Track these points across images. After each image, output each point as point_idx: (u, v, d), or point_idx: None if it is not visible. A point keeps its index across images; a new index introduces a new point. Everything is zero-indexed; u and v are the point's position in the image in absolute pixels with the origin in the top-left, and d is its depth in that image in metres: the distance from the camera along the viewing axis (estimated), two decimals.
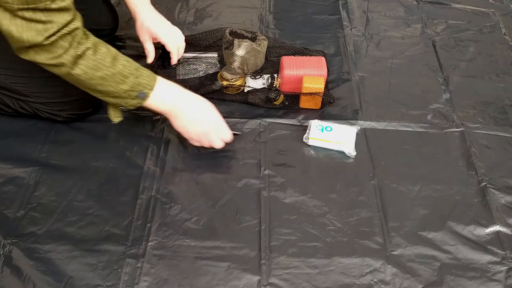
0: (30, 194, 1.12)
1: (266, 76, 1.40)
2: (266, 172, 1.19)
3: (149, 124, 1.29)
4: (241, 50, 1.33)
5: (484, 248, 1.08)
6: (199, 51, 1.46)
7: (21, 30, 0.93)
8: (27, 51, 0.98)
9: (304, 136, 1.26)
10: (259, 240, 1.06)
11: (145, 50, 1.32)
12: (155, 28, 1.29)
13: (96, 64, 1.01)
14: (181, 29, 1.55)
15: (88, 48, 1.00)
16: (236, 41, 1.34)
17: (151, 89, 1.08)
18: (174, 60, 1.35)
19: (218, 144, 1.17)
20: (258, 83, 1.38)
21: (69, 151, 1.21)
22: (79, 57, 0.99)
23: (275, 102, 1.34)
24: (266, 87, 1.37)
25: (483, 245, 1.08)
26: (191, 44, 1.45)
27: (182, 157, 1.22)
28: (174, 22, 1.57)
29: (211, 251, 1.04)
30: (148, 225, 1.08)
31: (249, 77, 1.39)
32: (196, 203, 1.12)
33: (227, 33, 1.36)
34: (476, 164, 1.24)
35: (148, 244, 1.05)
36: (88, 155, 1.20)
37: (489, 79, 1.49)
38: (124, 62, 1.05)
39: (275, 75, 1.40)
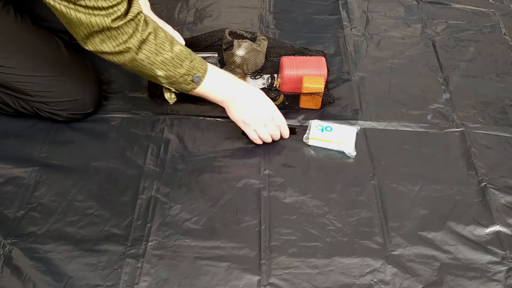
0: (30, 194, 1.12)
1: (266, 76, 1.40)
2: (266, 172, 1.19)
3: (149, 124, 1.29)
4: (241, 51, 1.33)
5: (484, 248, 1.08)
6: (199, 51, 1.45)
7: (89, 16, 0.95)
8: (93, 40, 1.00)
9: (304, 136, 1.26)
10: (259, 240, 1.06)
11: None
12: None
13: (157, 48, 1.05)
14: (181, 29, 1.57)
15: (150, 33, 1.03)
16: (236, 42, 1.34)
17: (205, 73, 1.11)
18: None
19: (277, 134, 1.21)
20: (258, 83, 1.38)
21: (69, 151, 1.21)
22: (143, 41, 1.03)
23: (275, 102, 1.33)
24: (266, 87, 1.37)
25: (483, 245, 1.08)
26: (191, 45, 1.45)
27: (182, 157, 1.22)
28: (174, 22, 1.58)
29: (211, 251, 1.04)
30: (148, 225, 1.08)
31: (249, 77, 1.39)
32: (196, 203, 1.12)
33: (227, 34, 1.36)
34: (476, 164, 1.24)
35: (148, 244, 1.05)
36: (88, 155, 1.20)
37: (489, 79, 1.49)
38: (180, 47, 1.09)
39: (275, 75, 1.40)
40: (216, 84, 1.14)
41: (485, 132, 1.32)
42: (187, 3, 1.70)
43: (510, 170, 1.23)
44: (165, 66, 1.07)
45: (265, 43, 1.38)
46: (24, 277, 0.98)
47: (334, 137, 1.25)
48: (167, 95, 1.17)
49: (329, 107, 1.36)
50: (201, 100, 1.35)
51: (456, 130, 1.32)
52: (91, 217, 1.09)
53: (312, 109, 1.35)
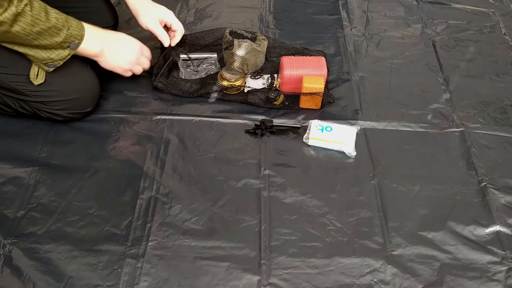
0: (30, 194, 1.12)
1: (266, 76, 1.40)
2: (266, 172, 1.19)
3: (149, 124, 1.29)
4: (241, 50, 1.33)
5: (484, 248, 1.08)
6: (199, 50, 1.46)
7: None
8: None
9: (304, 136, 1.26)
10: (259, 240, 1.06)
11: (159, 36, 1.35)
12: (161, 13, 1.34)
13: (33, 19, 1.05)
14: None
15: (26, 5, 1.03)
16: (236, 41, 1.34)
17: (81, 39, 1.15)
18: (178, 38, 1.38)
19: (147, 64, 1.33)
20: (258, 83, 1.38)
21: (69, 151, 1.21)
22: (18, 14, 1.02)
23: (275, 102, 1.34)
24: (266, 87, 1.37)
25: (483, 245, 1.08)
26: (191, 44, 1.45)
27: (182, 157, 1.22)
28: None
29: (211, 251, 1.04)
30: (148, 225, 1.08)
31: (249, 77, 1.39)
32: (196, 203, 1.12)
33: (227, 33, 1.36)
34: (476, 164, 1.24)
35: (148, 244, 1.05)
36: (88, 155, 1.20)
37: (489, 79, 1.49)
38: (55, 15, 1.10)
39: (275, 75, 1.40)
40: (90, 44, 1.18)
41: (485, 132, 1.32)
42: (187, 3, 1.70)
43: (510, 170, 1.23)
44: (42, 36, 1.08)
45: (265, 43, 1.38)
46: (24, 277, 0.98)
47: (334, 137, 1.25)
48: (32, 74, 1.16)
49: (329, 107, 1.36)
50: (201, 100, 1.36)
51: (456, 130, 1.32)
52: (91, 217, 1.09)
53: (312, 109, 1.35)
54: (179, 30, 1.37)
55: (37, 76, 1.16)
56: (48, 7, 1.09)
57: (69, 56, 1.15)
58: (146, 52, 1.33)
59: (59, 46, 1.12)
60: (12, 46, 1.10)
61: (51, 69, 1.15)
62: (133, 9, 1.33)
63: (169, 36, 1.36)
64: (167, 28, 1.37)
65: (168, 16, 1.35)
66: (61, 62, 1.15)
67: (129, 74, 1.32)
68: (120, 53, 1.27)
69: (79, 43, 1.15)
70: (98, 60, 1.24)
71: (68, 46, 1.13)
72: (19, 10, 1.02)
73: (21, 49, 1.11)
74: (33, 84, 1.16)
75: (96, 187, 1.14)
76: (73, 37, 1.13)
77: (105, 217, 1.09)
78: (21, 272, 0.99)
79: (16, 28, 1.04)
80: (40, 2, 1.08)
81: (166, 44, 1.35)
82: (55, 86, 1.20)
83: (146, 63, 1.33)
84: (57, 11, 1.11)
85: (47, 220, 1.07)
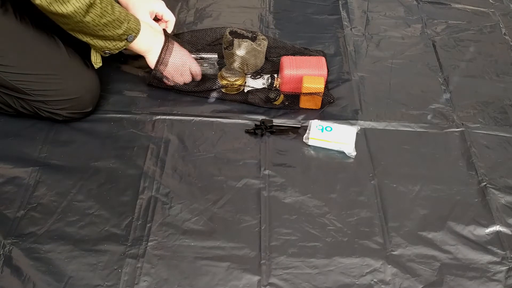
0: (30, 194, 1.12)
1: (266, 76, 1.40)
2: (266, 172, 1.19)
3: (149, 124, 1.29)
4: (241, 50, 1.33)
5: (484, 248, 1.08)
6: (199, 50, 1.45)
7: None
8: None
9: (304, 136, 1.26)
10: (259, 240, 1.06)
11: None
12: (151, 5, 1.35)
13: (102, 11, 1.12)
14: (181, 29, 1.57)
15: None
16: (236, 41, 1.34)
17: (138, 33, 1.22)
18: (171, 28, 1.39)
19: (189, 79, 1.34)
20: (258, 83, 1.38)
21: (69, 151, 1.21)
22: (91, 5, 1.09)
23: (275, 102, 1.34)
24: (266, 87, 1.37)
25: (483, 245, 1.08)
26: (191, 43, 1.45)
27: (182, 157, 1.22)
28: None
29: (211, 251, 1.04)
30: (148, 225, 1.08)
31: (249, 77, 1.39)
32: (196, 203, 1.12)
33: (227, 33, 1.36)
34: (476, 164, 1.24)
35: (148, 244, 1.05)
36: (88, 155, 1.20)
37: (489, 79, 1.49)
38: (119, 9, 1.17)
39: (275, 75, 1.40)
40: (143, 40, 1.24)
41: (485, 132, 1.32)
42: (187, 3, 1.70)
43: (510, 170, 1.23)
44: (107, 27, 1.15)
45: (265, 43, 1.38)
46: (24, 277, 0.98)
47: (334, 137, 1.25)
48: (93, 59, 1.24)
49: (329, 107, 1.36)
50: (201, 100, 1.36)
51: (456, 130, 1.32)
52: (91, 217, 1.09)
53: (312, 109, 1.35)
54: (171, 20, 1.39)
55: (96, 59, 1.24)
56: (113, 1, 1.16)
57: (125, 47, 1.22)
58: (195, 66, 1.34)
59: (119, 38, 1.19)
60: (77, 35, 1.17)
61: (107, 55, 1.24)
62: (123, 2, 1.33)
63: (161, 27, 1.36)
64: (158, 19, 1.37)
65: (159, 7, 1.36)
66: (116, 51, 1.23)
67: (170, 77, 1.33)
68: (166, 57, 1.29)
69: (136, 37, 1.21)
70: (147, 57, 1.29)
71: (126, 39, 1.20)
72: (92, 1, 1.08)
73: (85, 38, 1.17)
74: (94, 67, 1.24)
75: (96, 187, 1.14)
76: (131, 30, 1.20)
77: (105, 217, 1.09)
78: (21, 272, 0.99)
79: (88, 18, 1.11)
80: None
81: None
82: (56, 86, 1.20)
83: (188, 77, 1.34)
84: (119, 5, 1.18)
85: (47, 220, 1.07)
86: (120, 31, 1.17)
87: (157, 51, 1.28)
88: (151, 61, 1.29)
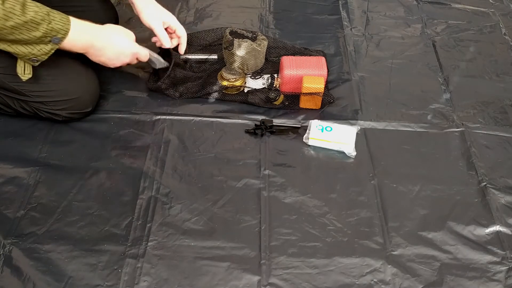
0: (30, 194, 1.12)
1: (266, 76, 1.40)
2: (266, 172, 1.19)
3: (149, 124, 1.29)
4: (241, 50, 1.33)
5: (484, 248, 1.08)
6: (199, 51, 1.46)
7: None
8: None
9: (304, 136, 1.26)
10: (259, 240, 1.06)
11: (159, 35, 1.32)
12: (166, 16, 1.32)
13: (6, 13, 1.00)
14: None
15: None
16: (236, 41, 1.34)
17: (66, 34, 1.09)
18: (183, 45, 1.36)
19: (133, 61, 1.27)
20: (258, 83, 1.38)
21: (69, 151, 1.21)
22: None
23: (275, 102, 1.34)
24: (266, 87, 1.37)
25: (483, 245, 1.08)
26: (190, 44, 1.45)
27: (182, 157, 1.22)
28: None
29: (211, 251, 1.04)
30: (148, 225, 1.08)
31: (249, 77, 1.39)
32: (196, 203, 1.12)
33: (227, 33, 1.36)
34: (476, 164, 1.24)
35: (148, 244, 1.05)
36: (88, 155, 1.20)
37: (489, 79, 1.49)
38: (35, 8, 1.04)
39: (275, 75, 1.40)
40: (77, 39, 1.13)
41: (485, 132, 1.32)
42: (187, 3, 1.70)
43: (510, 170, 1.23)
44: (18, 30, 1.03)
45: (265, 43, 1.38)
46: (24, 277, 0.98)
47: (334, 137, 1.25)
48: (19, 70, 1.13)
49: (329, 107, 1.36)
50: (201, 100, 1.36)
51: (456, 130, 1.32)
52: (91, 217, 1.09)
53: (312, 109, 1.35)
54: (183, 36, 1.35)
55: (24, 71, 1.14)
56: (29, 1, 1.04)
57: (53, 51, 1.10)
58: (142, 56, 1.28)
59: (39, 40, 1.07)
60: None
61: (37, 64, 1.12)
62: (137, 7, 1.31)
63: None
64: (169, 33, 1.35)
65: (172, 20, 1.33)
66: (46, 57, 1.11)
67: (117, 65, 1.26)
68: (107, 50, 1.21)
69: (63, 37, 1.09)
70: (87, 55, 1.20)
71: (50, 41, 1.08)
72: None
73: (2, 45, 1.07)
74: (21, 79, 1.14)
75: (96, 187, 1.14)
76: (55, 31, 1.07)
77: (105, 217, 1.09)
78: (21, 272, 0.99)
79: None
80: None
81: (166, 46, 1.33)
82: (55, 86, 1.20)
83: (132, 61, 1.28)
84: (39, 4, 1.06)
85: (47, 220, 1.07)
86: (38, 33, 1.05)
87: (100, 49, 1.19)
88: (93, 58, 1.21)
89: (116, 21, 1.49)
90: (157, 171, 1.18)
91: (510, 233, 1.11)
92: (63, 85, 1.20)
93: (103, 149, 1.22)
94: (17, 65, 1.13)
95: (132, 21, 1.58)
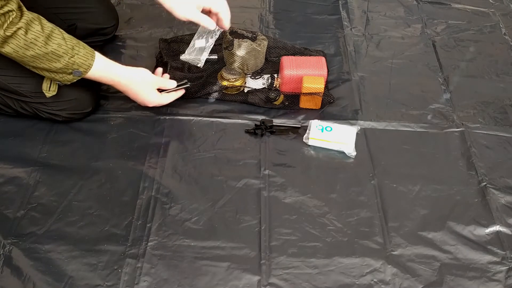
0: (30, 194, 1.12)
1: (266, 76, 1.40)
2: (266, 172, 1.19)
3: (149, 124, 1.29)
4: (241, 50, 1.33)
5: (484, 248, 1.08)
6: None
7: None
8: None
9: (304, 136, 1.26)
10: (259, 240, 1.06)
11: (203, 22, 1.24)
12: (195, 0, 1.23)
13: (27, 44, 1.04)
14: (181, 29, 1.57)
15: (19, 28, 1.02)
16: (236, 41, 1.34)
17: (88, 69, 1.13)
18: (226, 21, 1.28)
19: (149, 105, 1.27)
20: (258, 83, 1.38)
21: (69, 151, 1.21)
22: (8, 37, 1.02)
23: (275, 102, 1.34)
24: (266, 87, 1.37)
25: (483, 245, 1.08)
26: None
27: (182, 157, 1.22)
28: (174, 22, 1.58)
29: (211, 251, 1.04)
30: (148, 225, 1.08)
31: (249, 77, 1.39)
32: (196, 203, 1.12)
33: (227, 33, 1.36)
34: (476, 164, 1.24)
35: (148, 244, 1.05)
36: (88, 155, 1.20)
37: (489, 79, 1.49)
38: (59, 41, 1.08)
39: (275, 75, 1.40)
40: (101, 75, 1.17)
41: (485, 132, 1.32)
42: None
43: (510, 170, 1.23)
44: (38, 59, 1.07)
45: (265, 43, 1.38)
46: (24, 277, 0.98)
47: (334, 137, 1.25)
48: (44, 87, 1.17)
49: (329, 107, 1.36)
50: (201, 100, 1.36)
51: (456, 130, 1.32)
52: (91, 217, 1.09)
53: (312, 109, 1.35)
54: (221, 12, 1.27)
55: (49, 88, 1.17)
56: (56, 32, 1.08)
57: (74, 80, 1.14)
58: (152, 102, 1.26)
59: (60, 71, 1.11)
60: (23, 64, 1.11)
61: (62, 84, 1.16)
62: (166, 3, 1.23)
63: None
64: (209, 12, 1.27)
65: (214, 3, 1.25)
66: (68, 83, 1.15)
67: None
68: (127, 90, 1.23)
69: (85, 72, 1.13)
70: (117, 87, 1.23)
71: (71, 73, 1.12)
72: (8, 34, 1.02)
73: (27, 66, 1.11)
74: (45, 96, 1.17)
75: (96, 187, 1.14)
76: (77, 65, 1.11)
77: (105, 217, 1.09)
78: (21, 272, 0.99)
79: (7, 49, 1.05)
80: (46, 27, 1.06)
81: (212, 28, 1.26)
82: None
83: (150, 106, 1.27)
84: (68, 37, 1.10)
85: (47, 220, 1.07)
86: (58, 65, 1.09)
87: (123, 88, 1.22)
88: (120, 90, 1.24)
89: (116, 22, 1.49)
90: (157, 171, 1.18)
91: (510, 233, 1.11)
92: (63, 86, 1.20)
93: (103, 149, 1.22)
94: (43, 82, 1.17)
95: (132, 21, 1.58)
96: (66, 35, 1.10)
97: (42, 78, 1.17)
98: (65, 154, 1.20)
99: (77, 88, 1.22)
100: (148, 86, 1.23)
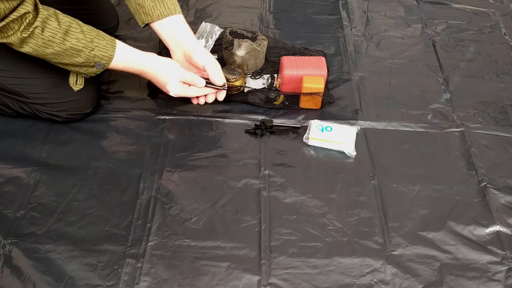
0: (30, 194, 1.12)
1: (266, 76, 1.40)
2: (266, 172, 1.19)
3: (149, 124, 1.29)
4: (241, 50, 1.33)
5: (484, 248, 1.08)
6: None
7: None
8: None
9: (304, 136, 1.26)
10: (259, 240, 1.06)
11: (214, 75, 1.23)
12: (205, 61, 1.23)
13: (45, 42, 1.04)
14: None
15: (35, 28, 1.02)
16: (236, 41, 1.34)
17: (109, 60, 1.12)
18: (222, 97, 1.28)
19: (171, 94, 1.22)
20: (258, 83, 1.38)
21: (69, 151, 1.21)
22: (25, 38, 1.02)
23: (275, 102, 1.34)
24: (266, 87, 1.37)
25: (483, 245, 1.08)
26: None
27: (182, 157, 1.22)
28: None
29: (211, 251, 1.04)
30: (148, 225, 1.08)
31: (249, 77, 1.39)
32: (196, 203, 1.12)
33: (227, 33, 1.36)
34: (476, 164, 1.24)
35: (148, 244, 1.05)
36: (88, 155, 1.20)
37: (489, 79, 1.49)
38: (78, 35, 1.07)
39: (275, 75, 1.40)
40: (125, 65, 1.15)
41: (485, 132, 1.32)
42: (187, 3, 1.70)
43: (510, 170, 1.23)
44: (59, 56, 1.07)
45: (265, 43, 1.38)
46: (24, 277, 0.98)
47: (334, 137, 1.25)
48: (71, 81, 1.18)
49: (329, 107, 1.36)
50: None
51: (456, 130, 1.32)
52: (91, 217, 1.09)
53: (312, 109, 1.35)
54: (207, 67, 1.23)
55: (76, 82, 1.18)
56: (74, 26, 1.06)
57: (99, 72, 1.14)
58: (174, 91, 1.21)
59: (83, 64, 1.11)
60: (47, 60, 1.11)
61: (88, 76, 1.17)
62: (186, 51, 1.24)
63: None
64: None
65: (212, 70, 1.24)
66: (93, 75, 1.16)
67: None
68: (161, 85, 1.21)
69: (107, 64, 1.12)
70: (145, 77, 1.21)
71: (93, 66, 1.12)
72: (25, 35, 1.01)
73: (52, 62, 1.11)
74: (72, 89, 1.19)
75: (96, 187, 1.14)
76: (98, 58, 1.10)
77: (105, 217, 1.09)
78: (21, 272, 0.99)
79: (26, 49, 1.04)
80: (63, 22, 1.05)
81: (202, 85, 1.23)
82: (55, 88, 1.20)
83: (171, 94, 1.22)
84: (87, 29, 1.08)
85: (47, 220, 1.07)
86: (79, 59, 1.09)
87: (150, 76, 1.19)
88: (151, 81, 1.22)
89: (116, 21, 1.49)
90: (157, 171, 1.18)
91: (510, 233, 1.11)
92: (63, 87, 1.20)
93: (103, 149, 1.22)
94: (70, 76, 1.18)
95: (132, 21, 1.58)
96: (85, 27, 1.09)
97: (42, 79, 1.18)
98: (65, 154, 1.20)
99: (77, 90, 1.22)
100: (173, 78, 1.19)
